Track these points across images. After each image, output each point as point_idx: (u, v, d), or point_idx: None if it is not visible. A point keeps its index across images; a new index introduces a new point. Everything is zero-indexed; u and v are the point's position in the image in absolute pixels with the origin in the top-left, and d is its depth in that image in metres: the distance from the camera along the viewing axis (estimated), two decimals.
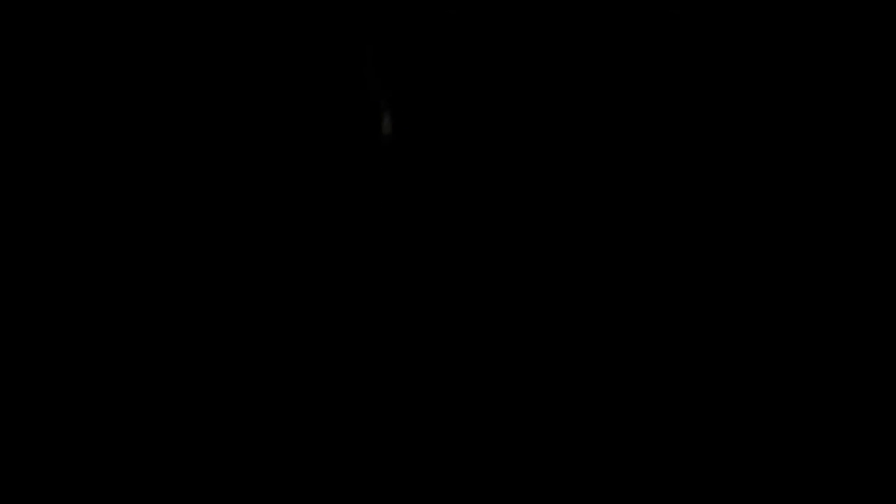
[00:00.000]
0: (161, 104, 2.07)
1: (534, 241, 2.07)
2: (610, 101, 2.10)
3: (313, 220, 2.05)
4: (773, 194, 2.06)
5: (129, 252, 2.03)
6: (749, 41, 2.09)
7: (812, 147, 2.07)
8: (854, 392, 1.97)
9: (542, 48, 2.10)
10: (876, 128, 2.07)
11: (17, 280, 2.00)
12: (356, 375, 2.01)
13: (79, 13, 2.06)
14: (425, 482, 1.96)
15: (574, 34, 2.10)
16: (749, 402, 1.98)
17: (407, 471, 1.96)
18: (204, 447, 1.96)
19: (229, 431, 1.97)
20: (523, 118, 2.10)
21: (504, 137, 2.09)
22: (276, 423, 1.98)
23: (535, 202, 2.08)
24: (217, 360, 2.00)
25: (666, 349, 2.01)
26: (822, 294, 2.02)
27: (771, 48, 2.09)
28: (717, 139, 2.09)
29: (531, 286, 2.05)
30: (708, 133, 2.09)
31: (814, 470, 1.94)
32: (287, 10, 2.06)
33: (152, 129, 2.06)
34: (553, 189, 2.08)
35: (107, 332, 2.00)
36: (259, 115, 2.07)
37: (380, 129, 2.02)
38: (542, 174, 2.09)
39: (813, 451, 1.95)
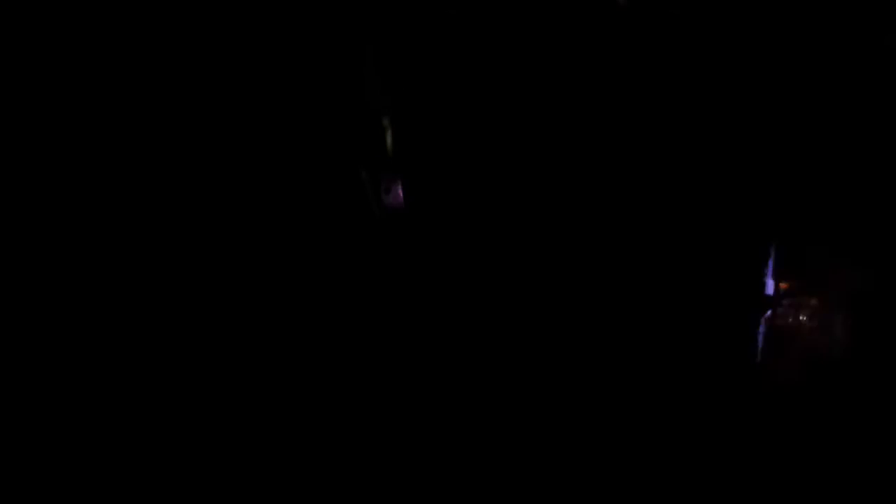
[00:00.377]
0: (158, 106, 2.07)
1: (532, 242, 2.07)
2: (609, 102, 2.10)
3: (312, 222, 2.06)
4: (774, 193, 2.07)
5: (131, 251, 2.04)
6: (749, 41, 2.10)
7: (811, 147, 2.08)
8: (855, 390, 1.98)
9: (541, 49, 2.10)
10: (875, 128, 2.07)
11: (17, 279, 2.01)
12: (356, 375, 2.02)
13: (78, 12, 2.06)
14: (426, 482, 1.96)
15: (573, 35, 2.10)
16: (749, 401, 1.99)
17: (407, 471, 1.97)
18: (204, 447, 1.97)
19: (228, 431, 1.98)
20: (522, 120, 2.10)
21: (502, 140, 2.09)
22: (275, 423, 1.99)
23: (534, 204, 2.08)
24: (216, 359, 2.01)
25: (666, 348, 2.02)
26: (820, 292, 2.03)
27: (771, 48, 2.10)
28: (715, 139, 2.09)
29: (532, 287, 2.05)
30: (706, 133, 2.09)
31: (811, 469, 1.94)
32: (288, 12, 2.07)
33: (148, 133, 2.07)
34: (550, 189, 2.09)
35: (102, 330, 2.01)
36: (259, 117, 2.08)
37: (381, 132, 2.03)
38: (541, 176, 2.09)
39: (811, 450, 1.95)
